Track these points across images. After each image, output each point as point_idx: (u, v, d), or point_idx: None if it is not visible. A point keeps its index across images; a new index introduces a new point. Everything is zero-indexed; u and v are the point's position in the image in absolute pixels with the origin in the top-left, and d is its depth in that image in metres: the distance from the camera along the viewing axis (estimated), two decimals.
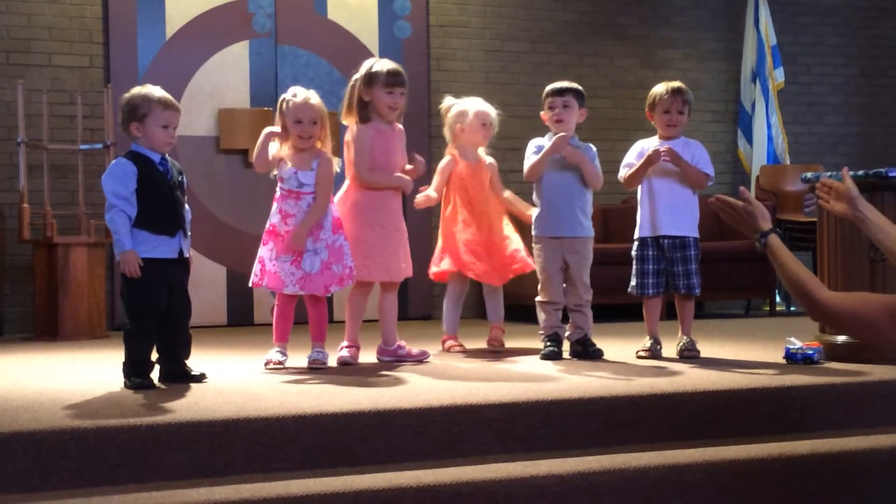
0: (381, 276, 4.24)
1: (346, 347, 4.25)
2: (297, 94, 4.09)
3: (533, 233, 4.45)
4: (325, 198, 4.09)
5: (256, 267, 4.09)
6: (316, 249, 4.05)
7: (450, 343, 4.72)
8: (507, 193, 4.86)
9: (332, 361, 4.19)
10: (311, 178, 4.06)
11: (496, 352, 4.66)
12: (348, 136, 4.23)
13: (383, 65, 4.23)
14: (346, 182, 4.31)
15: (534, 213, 4.47)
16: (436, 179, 4.78)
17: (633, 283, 4.42)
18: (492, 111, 4.80)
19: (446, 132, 4.86)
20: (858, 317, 2.58)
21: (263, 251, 4.09)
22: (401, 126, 4.37)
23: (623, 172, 4.43)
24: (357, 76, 4.25)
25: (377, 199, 4.21)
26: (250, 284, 4.15)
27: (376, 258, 4.19)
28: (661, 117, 4.39)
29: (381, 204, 4.21)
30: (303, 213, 4.05)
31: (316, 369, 4.04)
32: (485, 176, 4.77)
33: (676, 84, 4.41)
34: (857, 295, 2.74)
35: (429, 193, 4.72)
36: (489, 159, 4.84)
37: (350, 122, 4.26)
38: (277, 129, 4.09)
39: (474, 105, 4.79)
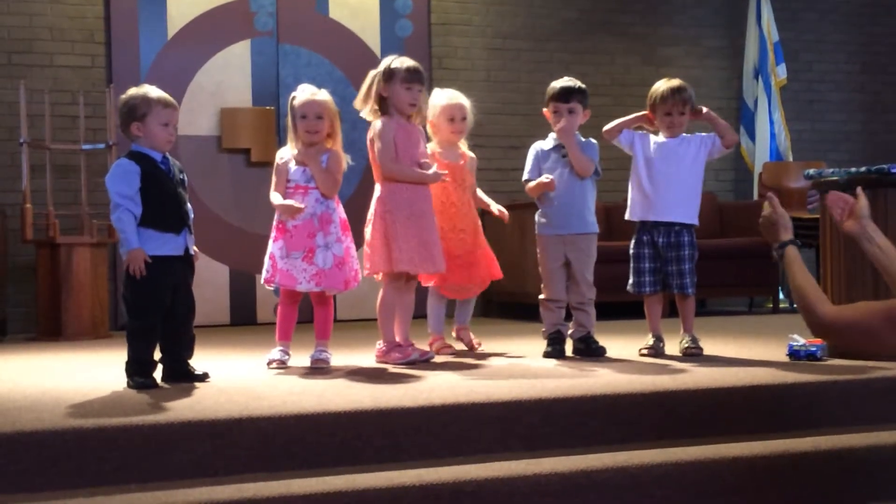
0: (428, 267, 4.19)
1: (410, 346, 4.24)
2: (304, 90, 4.14)
3: (536, 231, 4.43)
4: (335, 183, 4.11)
5: (267, 263, 4.10)
6: (327, 244, 4.06)
7: (438, 345, 4.57)
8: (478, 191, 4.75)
9: (339, 361, 4.19)
10: None
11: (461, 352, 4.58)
12: (371, 133, 4.22)
13: (402, 62, 4.23)
14: (377, 187, 4.27)
15: (538, 212, 4.44)
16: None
17: (630, 281, 4.42)
18: (463, 101, 4.60)
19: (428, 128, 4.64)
20: (858, 326, 2.59)
21: (274, 248, 4.09)
22: (421, 127, 4.36)
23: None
24: (376, 71, 4.25)
25: (410, 194, 4.16)
26: (262, 282, 4.14)
27: (420, 250, 4.14)
28: (662, 119, 4.37)
29: (413, 198, 4.16)
30: (311, 208, 4.06)
31: (319, 369, 4.04)
32: (466, 174, 4.62)
33: (676, 83, 4.37)
34: (856, 305, 2.74)
35: None
36: (470, 154, 4.70)
37: (367, 112, 4.25)
38: (284, 155, 4.15)
39: (441, 99, 4.58)
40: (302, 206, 4.04)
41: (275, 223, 4.12)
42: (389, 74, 4.21)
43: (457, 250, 4.49)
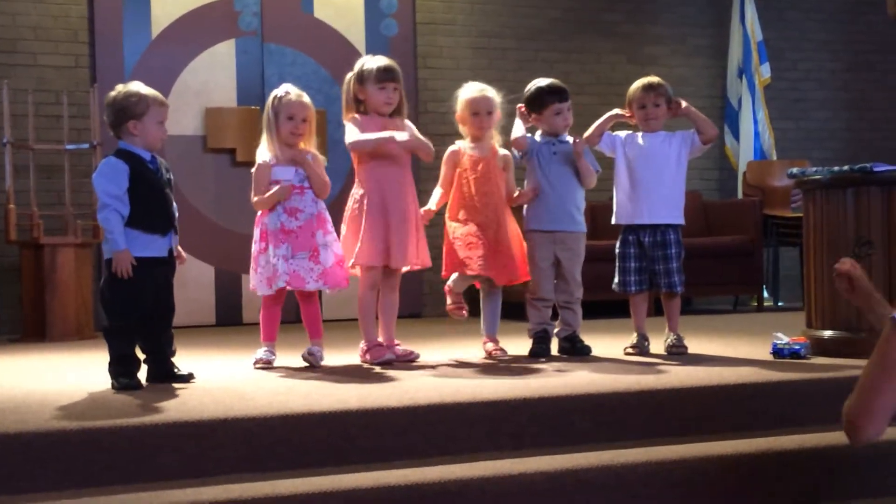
0: (378, 260, 4.13)
1: (392, 346, 4.23)
2: (289, 91, 4.13)
3: (525, 228, 4.43)
4: (326, 183, 4.13)
5: (283, 267, 4.01)
6: (326, 243, 4.08)
7: (490, 346, 4.40)
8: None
9: (326, 361, 4.19)
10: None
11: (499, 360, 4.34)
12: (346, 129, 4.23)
13: (375, 62, 4.22)
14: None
15: (526, 208, 4.44)
16: (442, 172, 4.45)
17: (616, 280, 4.44)
18: (489, 94, 4.38)
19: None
20: (868, 391, 2.44)
21: (281, 251, 4.01)
22: (409, 123, 4.32)
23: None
24: (350, 75, 4.25)
25: (381, 185, 4.15)
26: (283, 284, 4.01)
27: (385, 242, 4.12)
28: (639, 114, 4.41)
29: (385, 190, 4.15)
30: (309, 208, 4.07)
31: (309, 365, 4.05)
32: (493, 168, 4.38)
33: (648, 79, 4.41)
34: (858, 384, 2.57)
35: (429, 207, 4.38)
36: (503, 151, 4.46)
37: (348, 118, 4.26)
38: (266, 157, 4.11)
39: (466, 92, 4.41)
40: (290, 180, 4.04)
41: (269, 230, 4.05)
42: (362, 76, 4.21)
43: (476, 243, 4.28)
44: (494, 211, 4.35)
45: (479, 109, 4.37)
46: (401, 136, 4.12)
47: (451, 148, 4.43)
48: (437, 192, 4.43)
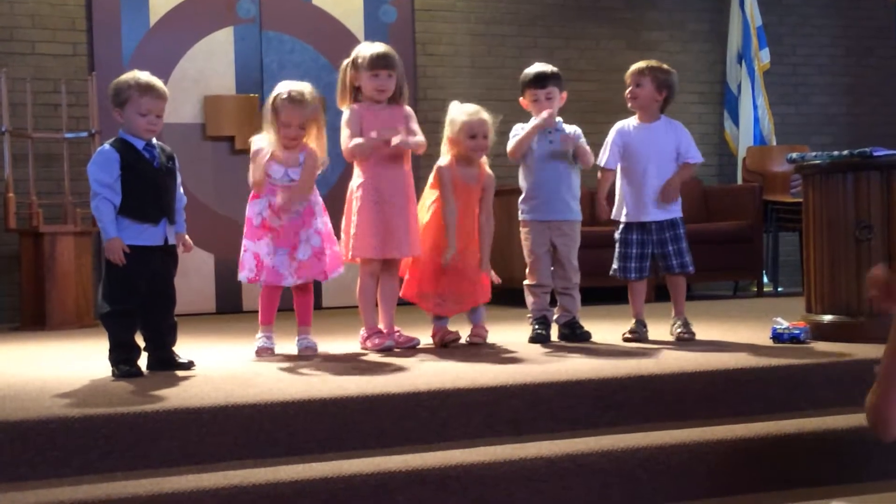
0: (375, 252, 4.14)
1: (393, 333, 4.23)
2: (290, 92, 4.02)
3: (520, 217, 4.43)
4: (309, 182, 4.06)
5: (251, 263, 4.03)
6: (308, 237, 4.05)
7: (440, 335, 4.28)
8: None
9: (325, 348, 4.19)
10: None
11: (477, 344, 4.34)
12: (342, 123, 4.21)
13: (368, 49, 4.21)
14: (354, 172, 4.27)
15: (521, 195, 4.44)
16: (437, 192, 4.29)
17: (614, 266, 4.39)
18: (485, 116, 4.26)
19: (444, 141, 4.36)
20: (889, 384, 2.35)
21: (259, 247, 4.02)
22: (408, 108, 4.30)
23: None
24: (346, 62, 4.25)
25: (378, 179, 4.14)
26: (245, 281, 4.08)
27: (385, 235, 4.11)
28: (627, 98, 4.40)
29: (382, 183, 4.14)
30: (293, 207, 4.03)
31: (306, 357, 4.04)
32: (475, 198, 4.33)
33: (635, 64, 4.40)
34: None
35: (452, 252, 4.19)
36: (489, 172, 4.36)
37: (345, 107, 4.25)
38: (263, 145, 4.06)
39: (459, 115, 4.26)
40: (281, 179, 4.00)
41: (257, 222, 4.05)
42: (356, 63, 4.20)
43: (452, 267, 4.25)
44: (473, 236, 4.32)
45: (477, 133, 4.26)
46: (395, 139, 4.08)
47: (439, 163, 4.31)
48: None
